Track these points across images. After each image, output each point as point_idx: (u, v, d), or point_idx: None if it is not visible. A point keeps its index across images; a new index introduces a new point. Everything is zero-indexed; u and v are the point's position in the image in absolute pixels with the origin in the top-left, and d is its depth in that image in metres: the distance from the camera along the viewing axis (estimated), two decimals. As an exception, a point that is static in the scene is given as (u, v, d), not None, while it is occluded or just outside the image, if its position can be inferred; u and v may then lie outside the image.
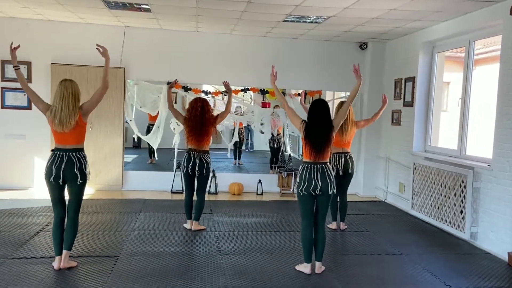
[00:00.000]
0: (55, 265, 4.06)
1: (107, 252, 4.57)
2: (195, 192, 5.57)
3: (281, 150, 9.88)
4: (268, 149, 10.43)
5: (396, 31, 7.07)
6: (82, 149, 4.13)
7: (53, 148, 4.09)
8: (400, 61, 7.47)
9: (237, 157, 11.37)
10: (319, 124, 4.14)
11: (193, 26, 7.44)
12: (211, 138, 5.51)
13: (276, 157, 9.84)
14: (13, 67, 4.23)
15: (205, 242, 5.10)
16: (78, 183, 4.04)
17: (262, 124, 8.46)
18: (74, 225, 4.11)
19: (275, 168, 9.63)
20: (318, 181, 4.10)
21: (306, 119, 4.26)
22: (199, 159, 5.36)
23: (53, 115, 3.99)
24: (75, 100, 4.04)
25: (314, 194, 4.15)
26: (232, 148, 10.88)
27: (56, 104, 4.01)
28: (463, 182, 5.53)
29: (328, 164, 4.23)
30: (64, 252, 4.07)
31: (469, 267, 4.61)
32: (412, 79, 6.99)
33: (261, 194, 8.06)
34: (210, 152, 5.53)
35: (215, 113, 5.60)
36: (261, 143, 14.62)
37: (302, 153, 4.33)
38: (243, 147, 12.45)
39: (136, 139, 12.00)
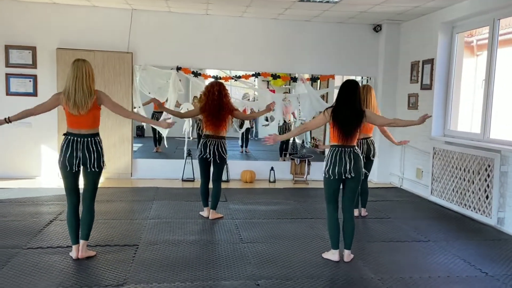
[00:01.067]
0: (73, 254, 3.88)
1: (126, 241, 4.39)
2: (210, 180, 5.39)
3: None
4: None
5: (414, 11, 6.84)
6: (97, 134, 3.93)
7: (65, 132, 3.88)
8: (417, 43, 7.24)
9: (244, 145, 11.18)
10: (349, 106, 3.93)
11: (203, 8, 7.19)
12: (228, 124, 5.31)
13: (286, 144, 9.67)
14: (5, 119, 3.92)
15: (225, 230, 4.93)
16: (95, 170, 3.84)
17: (273, 110, 8.22)
18: (91, 213, 3.93)
19: (285, 155, 9.46)
20: (347, 165, 3.91)
21: (328, 107, 4.07)
22: (216, 145, 5.16)
23: (67, 97, 3.78)
24: (89, 81, 3.83)
25: (342, 178, 3.96)
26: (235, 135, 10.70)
27: (69, 85, 3.79)
28: (489, 166, 5.35)
29: (357, 148, 4.04)
30: (81, 241, 3.89)
31: (501, 253, 4.44)
32: (431, 61, 6.78)
33: (274, 181, 7.88)
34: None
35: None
36: (265, 130, 14.45)
37: (330, 137, 4.13)
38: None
39: (144, 127, 11.84)
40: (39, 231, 4.59)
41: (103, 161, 3.89)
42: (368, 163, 5.43)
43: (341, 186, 4.07)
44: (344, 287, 3.55)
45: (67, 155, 3.77)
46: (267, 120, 11.73)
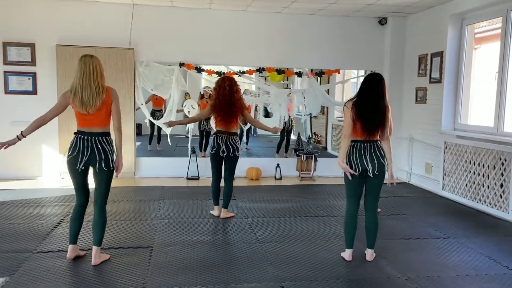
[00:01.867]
0: (68, 255, 3.74)
1: (139, 243, 4.23)
2: (222, 177, 5.25)
3: (291, 133, 9.60)
4: (271, 133, 10.06)
5: (422, 3, 6.72)
6: (108, 133, 3.74)
7: (76, 131, 3.70)
8: (425, 35, 7.12)
9: (245, 142, 11.04)
10: (374, 99, 3.77)
11: (206, 2, 7.03)
12: (238, 121, 5.15)
13: (288, 140, 9.55)
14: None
15: (239, 229, 4.78)
16: (104, 170, 3.65)
17: (280, 105, 8.09)
18: (102, 217, 3.70)
19: (285, 151, 9.33)
20: (368, 161, 3.77)
21: (349, 100, 3.90)
22: (229, 141, 5.01)
23: (74, 95, 3.58)
24: (97, 77, 3.62)
25: (364, 174, 3.82)
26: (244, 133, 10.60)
27: (76, 82, 3.59)
28: (506, 160, 5.25)
29: (379, 142, 3.89)
30: (94, 248, 3.70)
31: (523, 249, 4.35)
32: (440, 54, 6.66)
33: (280, 178, 7.74)
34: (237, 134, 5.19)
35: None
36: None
37: (348, 132, 3.92)
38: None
39: (148, 125, 11.64)
40: (47, 234, 4.42)
41: (112, 161, 3.69)
42: None
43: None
44: (373, 287, 3.42)
45: (74, 153, 3.59)
46: (266, 116, 11.60)
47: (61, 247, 4.05)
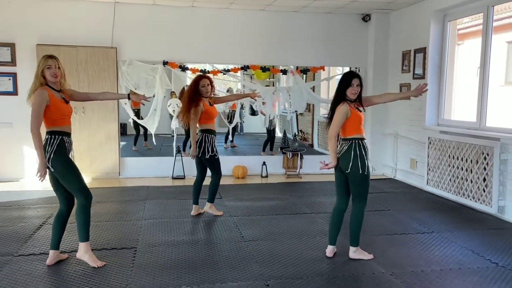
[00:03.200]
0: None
1: (123, 244, 4.19)
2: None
3: (275, 131, 9.60)
4: (258, 131, 10.06)
5: (404, 0, 6.75)
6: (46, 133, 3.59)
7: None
8: (408, 32, 7.16)
9: (231, 140, 11.01)
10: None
11: (189, 0, 6.97)
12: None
13: (272, 139, 9.53)
14: None
15: (224, 228, 4.76)
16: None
17: (264, 103, 8.09)
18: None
19: (271, 149, 9.32)
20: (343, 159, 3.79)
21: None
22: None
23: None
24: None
25: (344, 173, 3.82)
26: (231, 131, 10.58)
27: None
28: (488, 155, 5.30)
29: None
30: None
31: (505, 242, 4.38)
32: (423, 50, 6.70)
33: (266, 176, 7.73)
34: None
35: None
36: (250, 125, 14.29)
37: (346, 129, 3.82)
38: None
39: (132, 124, 11.54)
40: (29, 237, 4.35)
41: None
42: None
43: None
44: (356, 283, 3.43)
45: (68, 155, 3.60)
46: (253, 114, 11.58)
47: (43, 250, 3.98)
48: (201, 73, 5.46)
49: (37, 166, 3.48)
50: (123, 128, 12.91)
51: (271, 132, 9.43)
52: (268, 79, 12.88)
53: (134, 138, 10.30)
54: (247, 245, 4.23)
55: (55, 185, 3.63)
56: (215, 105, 5.20)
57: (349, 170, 3.73)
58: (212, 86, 5.11)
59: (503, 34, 8.40)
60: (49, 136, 3.53)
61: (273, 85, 11.40)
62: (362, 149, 3.77)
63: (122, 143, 11.12)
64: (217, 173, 5.15)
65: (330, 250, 3.95)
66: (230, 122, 10.33)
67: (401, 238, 4.51)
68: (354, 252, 3.92)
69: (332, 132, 3.78)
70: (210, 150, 4.98)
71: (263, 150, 9.32)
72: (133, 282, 3.37)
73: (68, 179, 3.55)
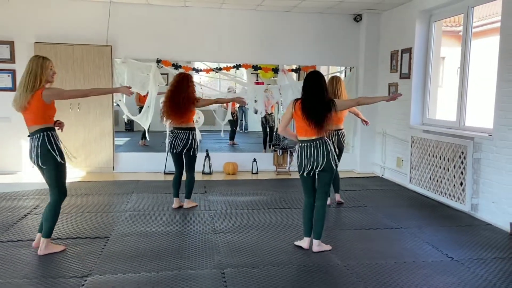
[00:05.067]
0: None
1: (97, 234, 4.41)
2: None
3: (274, 129, 9.71)
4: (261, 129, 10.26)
5: (392, 1, 6.83)
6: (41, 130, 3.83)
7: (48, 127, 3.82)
8: (396, 32, 7.25)
9: (232, 138, 11.19)
10: (317, 96, 3.92)
11: (181, 0, 7.17)
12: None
13: (270, 136, 9.69)
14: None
15: (199, 221, 4.94)
16: (45, 167, 3.81)
17: (256, 101, 8.25)
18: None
19: (269, 147, 9.47)
20: (318, 159, 3.92)
21: (295, 99, 4.07)
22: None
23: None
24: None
25: (315, 172, 3.99)
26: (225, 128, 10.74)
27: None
28: (462, 154, 5.38)
29: (327, 139, 4.02)
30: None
31: (470, 238, 4.48)
32: (409, 50, 6.78)
33: (257, 173, 7.90)
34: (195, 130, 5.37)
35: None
36: (255, 123, 14.43)
37: (296, 131, 4.10)
38: (238, 128, 12.25)
39: (126, 121, 11.81)
40: (11, 225, 4.60)
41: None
42: (339, 155, 5.43)
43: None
44: (310, 274, 3.57)
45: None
46: (256, 113, 11.73)
47: (21, 237, 4.23)
48: (182, 72, 5.62)
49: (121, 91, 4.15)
50: (130, 125, 13.28)
51: (266, 129, 9.59)
52: (274, 78, 13.03)
53: (142, 134, 10.47)
54: (215, 237, 4.40)
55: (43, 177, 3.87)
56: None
57: (327, 167, 3.98)
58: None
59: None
60: (48, 133, 3.76)
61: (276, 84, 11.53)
62: (302, 150, 4.00)
63: (126, 139, 11.51)
64: (193, 171, 5.37)
65: (307, 242, 4.12)
66: (235, 121, 10.62)
67: (368, 232, 4.63)
68: (318, 246, 4.07)
69: (280, 129, 4.21)
70: (196, 148, 5.24)
71: (264, 148, 9.47)
72: (96, 268, 3.57)
73: (61, 174, 3.80)
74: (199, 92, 7.44)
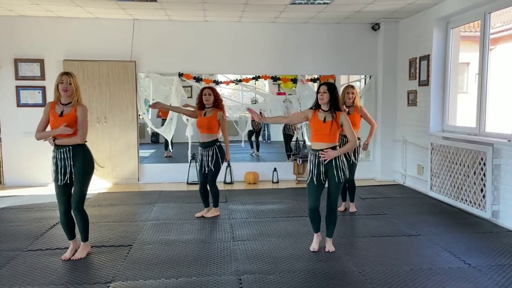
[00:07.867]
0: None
1: (121, 242, 4.58)
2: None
3: (292, 138, 9.78)
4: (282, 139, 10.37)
5: (409, 9, 6.87)
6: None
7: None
8: (414, 39, 7.27)
9: (255, 148, 11.29)
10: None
11: (201, 15, 7.38)
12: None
13: (289, 145, 9.75)
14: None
15: (219, 229, 5.07)
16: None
17: (275, 111, 8.35)
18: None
19: (287, 157, 9.53)
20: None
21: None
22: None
23: None
24: None
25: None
26: (247, 139, 10.86)
27: None
28: (482, 160, 5.35)
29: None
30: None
31: (490, 245, 4.45)
32: (427, 57, 6.79)
33: (277, 182, 7.99)
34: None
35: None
36: (279, 133, 14.53)
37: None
38: (260, 138, 12.37)
39: (150, 134, 12.09)
40: (41, 235, 4.83)
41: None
42: (353, 165, 5.48)
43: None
44: (324, 279, 3.63)
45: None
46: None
47: (49, 246, 4.45)
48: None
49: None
50: (155, 137, 13.60)
51: (287, 137, 9.70)
52: (295, 88, 13.14)
53: (165, 145, 10.72)
54: (234, 244, 4.52)
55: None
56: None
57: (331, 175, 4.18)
58: (216, 96, 5.48)
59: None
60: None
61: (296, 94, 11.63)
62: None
63: (152, 150, 11.77)
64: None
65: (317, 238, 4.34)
66: (257, 132, 10.78)
67: (385, 240, 4.66)
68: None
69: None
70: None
71: (288, 158, 9.55)
72: (119, 275, 3.73)
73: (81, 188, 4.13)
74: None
